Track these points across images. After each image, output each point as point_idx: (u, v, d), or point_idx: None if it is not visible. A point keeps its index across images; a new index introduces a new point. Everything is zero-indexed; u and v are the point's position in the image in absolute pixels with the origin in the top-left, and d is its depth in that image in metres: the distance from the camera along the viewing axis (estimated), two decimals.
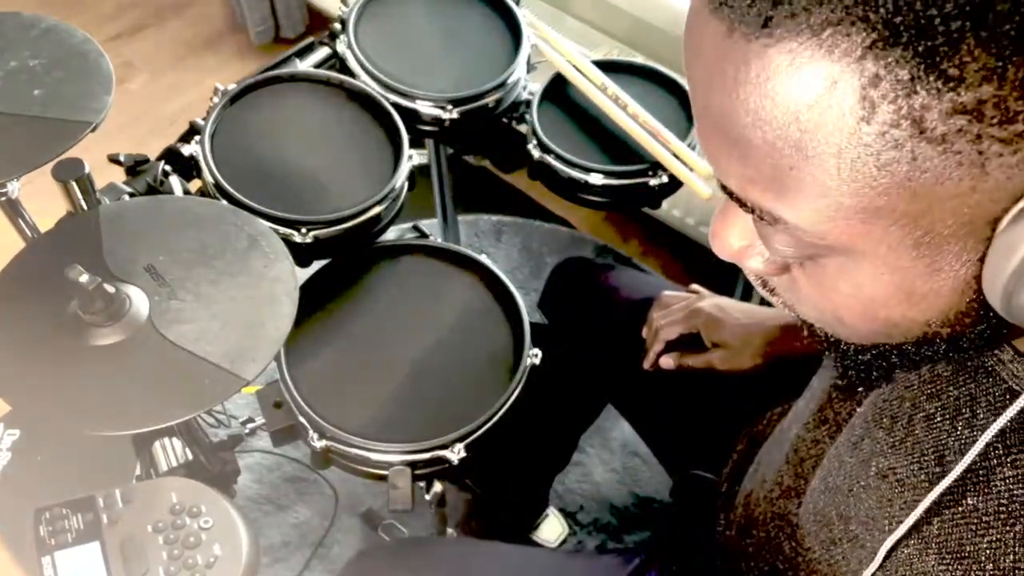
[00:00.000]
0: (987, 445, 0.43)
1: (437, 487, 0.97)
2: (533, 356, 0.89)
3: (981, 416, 0.45)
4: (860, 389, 0.54)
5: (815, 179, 0.35)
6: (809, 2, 0.32)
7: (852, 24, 0.31)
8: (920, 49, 0.31)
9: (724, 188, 0.41)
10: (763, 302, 1.26)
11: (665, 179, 1.00)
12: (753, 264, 0.45)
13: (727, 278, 1.37)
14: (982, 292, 0.38)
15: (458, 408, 0.86)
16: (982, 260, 0.37)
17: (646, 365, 0.94)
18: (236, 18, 2.09)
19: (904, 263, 0.37)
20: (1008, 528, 0.41)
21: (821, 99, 0.33)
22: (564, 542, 1.35)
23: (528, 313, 0.93)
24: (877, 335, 0.43)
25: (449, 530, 1.10)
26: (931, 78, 0.31)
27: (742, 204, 0.40)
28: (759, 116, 0.35)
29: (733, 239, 0.45)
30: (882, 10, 0.31)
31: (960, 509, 0.44)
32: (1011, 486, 0.42)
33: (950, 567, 0.44)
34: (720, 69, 0.36)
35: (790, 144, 0.35)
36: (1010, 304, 0.36)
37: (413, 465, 0.84)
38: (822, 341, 0.49)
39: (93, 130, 0.75)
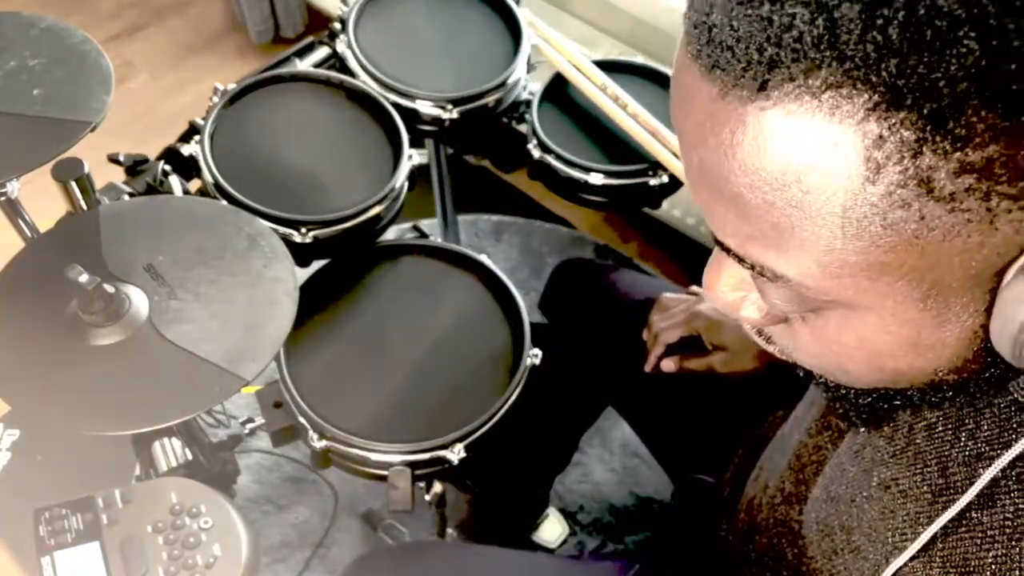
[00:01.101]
0: (991, 459, 0.43)
1: (437, 487, 0.97)
2: (533, 356, 0.89)
3: (986, 428, 0.44)
4: (860, 429, 0.53)
5: (819, 238, 0.34)
6: (808, 65, 0.31)
7: (853, 86, 0.31)
8: (925, 111, 0.30)
9: (720, 244, 0.39)
10: None
11: (665, 179, 1.00)
12: (748, 314, 0.44)
13: None
14: (989, 340, 0.37)
15: (458, 408, 0.86)
16: (988, 310, 0.36)
17: (647, 368, 0.94)
18: (236, 18, 2.09)
19: (911, 316, 0.37)
20: (1014, 543, 0.41)
21: (823, 161, 0.32)
22: (564, 542, 1.35)
23: (528, 313, 0.93)
24: (881, 382, 0.42)
25: (449, 530, 1.10)
26: (937, 139, 0.30)
27: (740, 260, 0.39)
28: (758, 176, 0.34)
29: (727, 292, 0.43)
30: (884, 73, 0.30)
31: (965, 524, 0.43)
32: (1016, 501, 0.41)
33: None
34: (713, 130, 0.35)
35: (791, 204, 0.34)
36: (1021, 354, 0.35)
37: (413, 465, 0.84)
38: (820, 382, 0.48)
39: (93, 130, 0.75)
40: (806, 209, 0.34)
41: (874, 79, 0.30)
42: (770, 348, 0.47)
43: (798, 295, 0.38)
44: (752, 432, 0.87)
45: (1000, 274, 0.35)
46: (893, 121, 0.31)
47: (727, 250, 0.39)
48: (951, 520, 0.44)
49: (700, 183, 0.37)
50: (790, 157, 0.33)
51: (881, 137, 0.31)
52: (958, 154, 0.30)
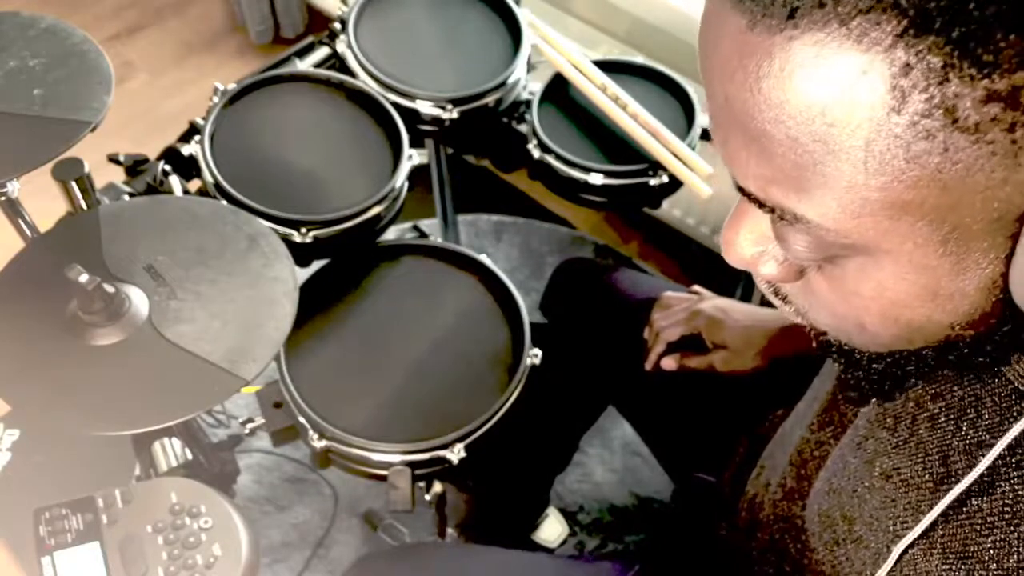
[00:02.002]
0: (989, 446, 0.43)
1: (437, 487, 0.97)
2: (533, 356, 0.89)
3: (986, 416, 0.44)
4: (873, 400, 0.53)
5: (841, 174, 0.34)
6: None
7: (882, 12, 0.31)
8: (954, 36, 0.30)
9: (741, 189, 0.40)
10: (764, 303, 1.26)
11: (665, 179, 1.00)
12: (767, 270, 0.44)
13: (728, 279, 1.37)
14: (1008, 291, 0.37)
15: (458, 408, 0.86)
16: (1009, 258, 0.36)
17: (647, 366, 0.94)
18: (236, 18, 2.09)
19: (930, 262, 0.36)
20: (1012, 528, 0.41)
21: (849, 90, 0.32)
22: (564, 542, 1.35)
23: (528, 313, 0.93)
24: (898, 340, 0.42)
25: (449, 530, 1.10)
26: (965, 65, 0.30)
27: (761, 205, 0.39)
28: (783, 111, 0.34)
29: (746, 247, 0.43)
30: None
31: (965, 511, 0.44)
32: (1016, 487, 0.41)
33: (953, 567, 0.44)
34: (741, 64, 0.35)
35: (815, 139, 0.34)
36: None
37: (413, 465, 0.84)
38: (833, 350, 0.48)
39: (93, 130, 0.75)
40: (830, 143, 0.33)
41: (903, 3, 0.30)
42: (786, 308, 0.46)
43: (818, 240, 0.38)
44: (753, 431, 0.87)
45: (1022, 219, 0.34)
46: (921, 47, 0.30)
47: (747, 195, 0.39)
48: (951, 507, 0.45)
49: (725, 123, 0.37)
50: (816, 88, 0.33)
51: (908, 64, 0.31)
52: (985, 81, 0.30)
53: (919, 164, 0.33)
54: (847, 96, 0.32)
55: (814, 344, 0.48)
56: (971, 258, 0.36)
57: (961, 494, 0.44)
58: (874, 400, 0.54)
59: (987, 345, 0.41)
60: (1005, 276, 0.37)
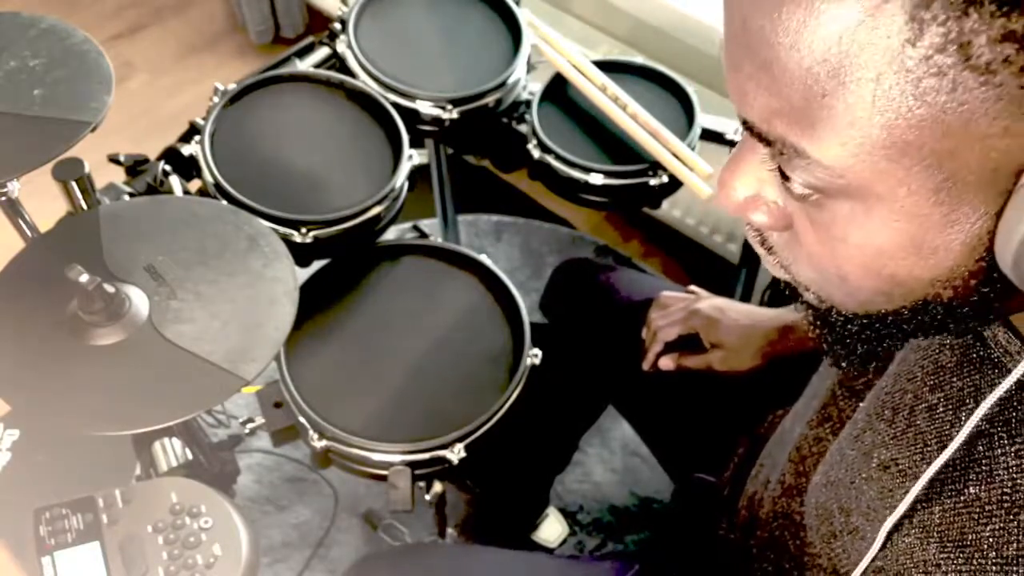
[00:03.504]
0: (990, 435, 0.43)
1: (437, 487, 0.97)
2: (533, 356, 0.89)
3: (987, 407, 0.44)
4: (843, 364, 0.52)
5: (847, 108, 0.34)
6: None
7: None
8: None
9: (744, 123, 0.40)
10: (763, 303, 1.26)
11: (665, 179, 1.00)
12: (757, 217, 0.44)
13: (727, 278, 1.37)
14: (992, 252, 0.37)
15: (458, 408, 0.86)
16: (998, 215, 0.36)
17: (645, 366, 0.94)
18: (236, 18, 2.09)
19: (921, 210, 0.37)
20: (1011, 517, 0.41)
21: (868, 19, 0.32)
22: (564, 542, 1.35)
23: (528, 313, 0.93)
24: (877, 294, 0.42)
25: (449, 530, 1.10)
26: (986, 0, 0.30)
27: (762, 138, 0.39)
28: (799, 37, 0.34)
29: (740, 189, 0.44)
30: None
31: (962, 498, 0.44)
32: (1014, 475, 0.42)
33: (951, 555, 0.44)
34: None
35: (827, 68, 0.34)
36: (1020, 265, 0.35)
37: (413, 465, 0.84)
38: (811, 315, 0.48)
39: (93, 130, 0.75)
40: (841, 74, 0.34)
41: None
42: (770, 260, 0.47)
43: (814, 177, 0.38)
44: (752, 431, 0.87)
45: (1017, 177, 0.35)
46: None
47: (750, 129, 0.39)
48: (948, 491, 0.45)
49: (738, 50, 0.37)
50: (837, 14, 0.33)
51: None
52: (1002, 19, 0.31)
53: (926, 103, 0.33)
54: (865, 25, 0.32)
55: (798, 304, 0.48)
56: (961, 211, 0.36)
57: (957, 480, 0.44)
58: (871, 394, 0.54)
59: (962, 309, 0.41)
60: (992, 235, 0.37)
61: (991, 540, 0.42)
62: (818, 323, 0.48)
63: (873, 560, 0.49)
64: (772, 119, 0.37)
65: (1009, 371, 0.43)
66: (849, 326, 0.46)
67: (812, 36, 0.34)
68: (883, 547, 0.49)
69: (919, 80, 0.33)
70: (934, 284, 0.40)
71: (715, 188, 0.46)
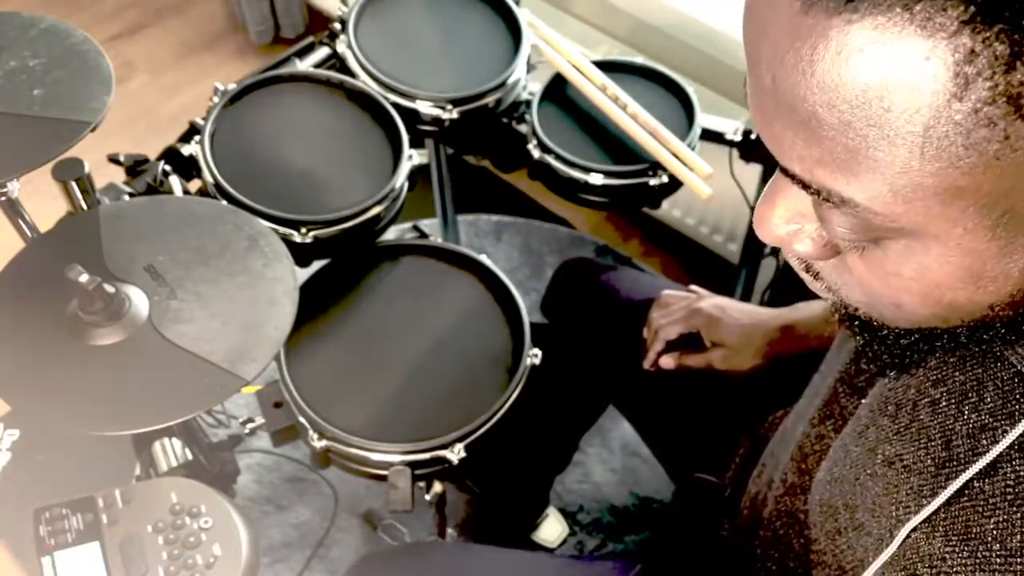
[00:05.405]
0: (993, 429, 0.43)
1: (437, 487, 0.97)
2: (533, 356, 0.89)
3: (989, 400, 0.44)
4: (890, 372, 0.52)
5: (895, 159, 0.33)
6: None
7: None
8: (1022, 23, 0.30)
9: (785, 171, 0.39)
10: (763, 303, 1.26)
11: (665, 179, 1.00)
12: (802, 248, 0.43)
13: (727, 278, 1.37)
14: None
15: (458, 408, 0.86)
16: None
17: (646, 365, 0.94)
18: (236, 18, 2.09)
19: (979, 246, 0.36)
20: (1015, 510, 0.41)
21: (910, 76, 0.31)
22: (564, 542, 1.35)
23: (528, 313, 0.93)
24: (935, 319, 0.42)
25: (449, 530, 1.10)
26: None
27: (806, 187, 0.38)
28: (836, 95, 0.33)
29: (780, 225, 0.42)
30: None
31: (967, 492, 0.44)
32: (1018, 469, 0.41)
33: (956, 548, 0.44)
34: (792, 47, 0.34)
35: (869, 123, 0.33)
36: None
37: (413, 465, 0.84)
38: (858, 326, 0.47)
39: (93, 130, 0.75)
40: (885, 128, 0.33)
41: None
42: (816, 285, 0.46)
43: (863, 222, 0.37)
44: (753, 431, 0.87)
45: None
46: (987, 35, 0.30)
47: (791, 176, 0.38)
48: (954, 490, 0.44)
49: (770, 106, 0.36)
50: (875, 73, 0.32)
51: (973, 51, 0.30)
52: None
53: (977, 151, 0.32)
54: (907, 82, 0.31)
55: (836, 316, 0.47)
56: (1019, 241, 0.36)
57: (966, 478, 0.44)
58: (873, 391, 0.54)
59: (1021, 324, 0.41)
60: None
61: (995, 532, 0.42)
62: (865, 335, 0.47)
63: (892, 557, 0.49)
64: (814, 168, 0.36)
65: (1012, 364, 0.43)
66: (902, 340, 0.45)
67: (849, 94, 0.33)
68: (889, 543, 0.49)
69: (969, 132, 0.32)
70: (993, 307, 0.40)
71: (756, 224, 0.43)
